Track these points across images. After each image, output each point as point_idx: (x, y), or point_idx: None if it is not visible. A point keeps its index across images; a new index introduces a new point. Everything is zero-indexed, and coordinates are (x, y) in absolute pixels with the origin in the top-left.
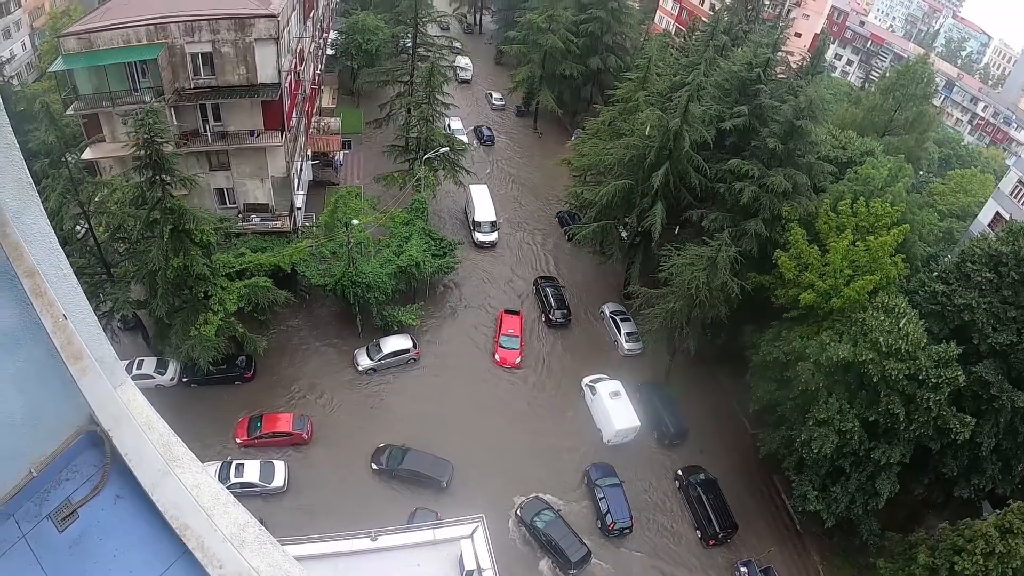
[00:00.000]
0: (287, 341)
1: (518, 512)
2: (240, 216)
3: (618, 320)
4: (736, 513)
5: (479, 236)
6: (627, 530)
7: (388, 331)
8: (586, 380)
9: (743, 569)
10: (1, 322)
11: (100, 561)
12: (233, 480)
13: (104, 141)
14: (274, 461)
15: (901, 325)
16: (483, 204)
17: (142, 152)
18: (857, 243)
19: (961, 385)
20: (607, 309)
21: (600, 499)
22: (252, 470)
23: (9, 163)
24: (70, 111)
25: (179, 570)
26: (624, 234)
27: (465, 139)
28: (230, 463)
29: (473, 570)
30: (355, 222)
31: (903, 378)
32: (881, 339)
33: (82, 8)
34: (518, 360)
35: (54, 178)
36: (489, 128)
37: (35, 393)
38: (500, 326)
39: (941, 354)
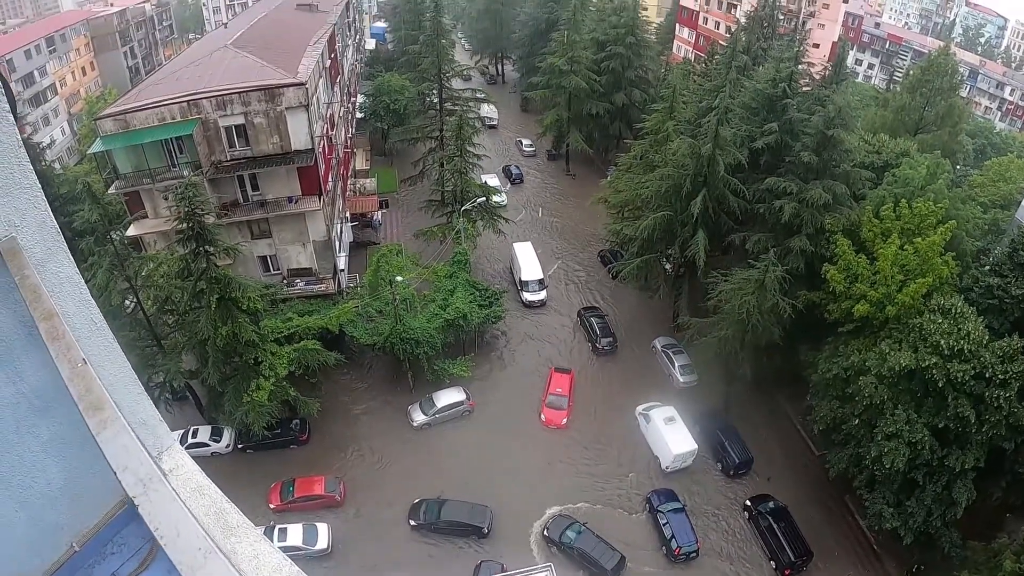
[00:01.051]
0: (340, 401)
1: (545, 532)
2: (285, 282)
3: (671, 353)
4: (810, 539)
5: (527, 296)
6: (693, 554)
7: (440, 385)
8: (639, 408)
9: None
10: (32, 382)
11: None
12: (276, 544)
13: (147, 217)
14: (317, 524)
15: (961, 325)
16: (529, 262)
17: (184, 225)
18: (905, 247)
19: None
20: (658, 344)
21: (664, 524)
22: (295, 534)
23: (32, 205)
24: (112, 190)
25: None
26: (668, 266)
27: (504, 197)
28: (272, 527)
29: None
30: (399, 279)
31: (969, 379)
32: (942, 341)
33: (117, 91)
34: (564, 421)
35: (100, 255)
36: (517, 167)
37: (73, 460)
38: (549, 384)
39: (1005, 348)
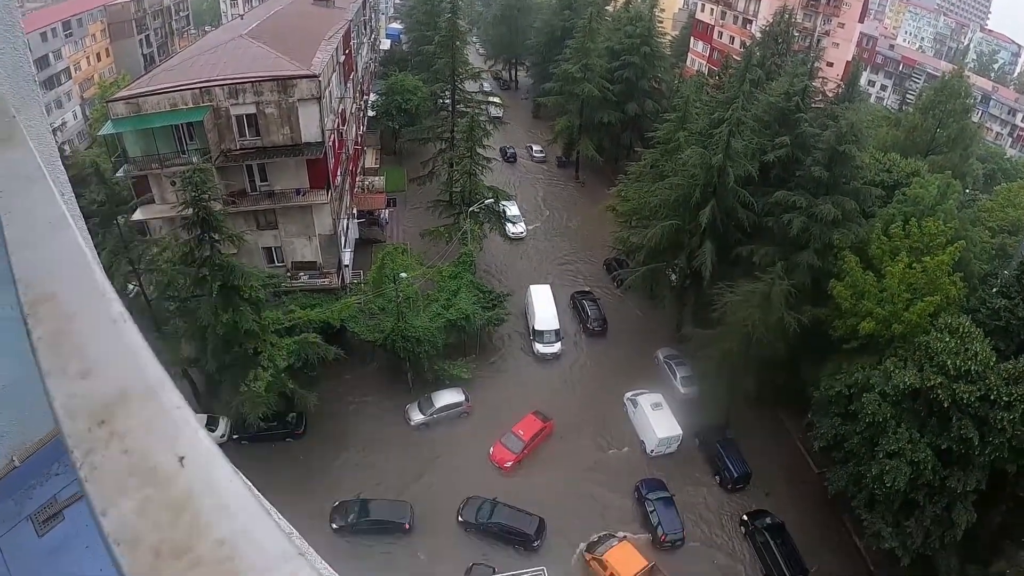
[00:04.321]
0: (338, 397)
1: (459, 518)
2: (288, 274)
3: (673, 364)
4: (806, 557)
5: (540, 347)
6: (679, 542)
7: (440, 385)
8: (628, 394)
9: None
10: None
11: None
12: None
13: (153, 202)
14: None
15: (968, 345)
16: (545, 309)
17: (190, 210)
18: (913, 265)
19: None
20: (661, 354)
21: (651, 512)
22: None
23: (10, 45)
24: (119, 173)
25: None
26: (673, 277)
27: (523, 229)
28: None
29: None
30: (403, 275)
31: (974, 400)
32: (949, 361)
33: (130, 78)
34: (510, 464)
35: (104, 237)
36: (512, 147)
37: (23, 356)
38: (518, 424)
39: (1011, 371)
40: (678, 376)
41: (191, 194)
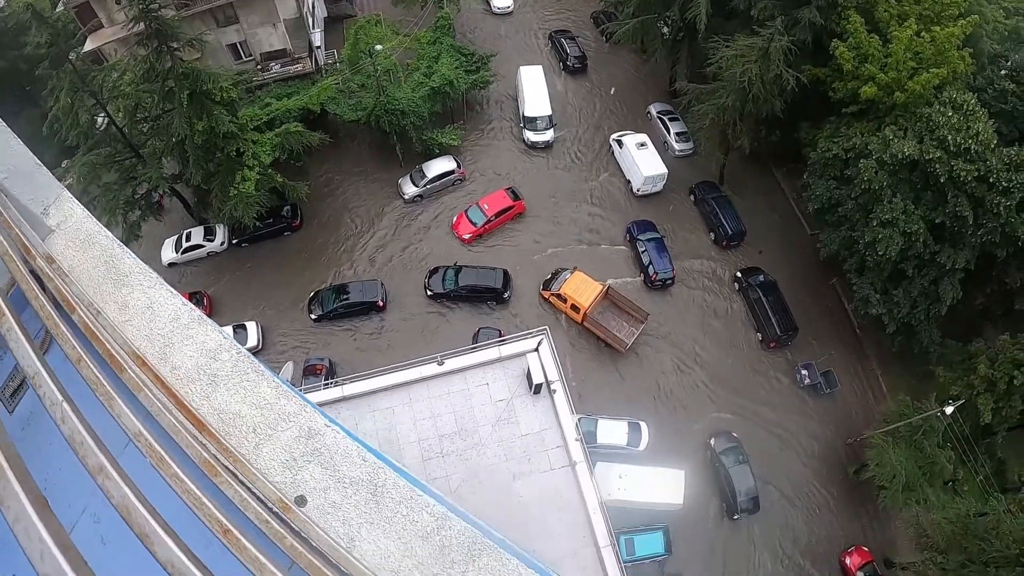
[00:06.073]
0: (330, 183)
1: (428, 292)
2: (259, 67)
3: (666, 120)
4: (796, 315)
5: (530, 135)
6: (669, 281)
7: (430, 156)
8: (613, 136)
9: (804, 371)
10: None
11: (58, 443)
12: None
13: (102, 27)
14: (246, 323)
15: (971, 123)
16: (536, 94)
17: (142, 24)
18: (921, 33)
19: None
20: (654, 109)
21: (642, 252)
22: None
23: None
24: (59, 8)
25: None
26: (665, 30)
27: (511, 1)
28: None
29: (541, 383)
30: (379, 48)
31: (972, 180)
32: (949, 137)
33: None
34: (468, 237)
35: (59, 77)
36: None
37: None
38: (485, 197)
39: (1013, 157)
40: (671, 132)
41: (139, 7)
